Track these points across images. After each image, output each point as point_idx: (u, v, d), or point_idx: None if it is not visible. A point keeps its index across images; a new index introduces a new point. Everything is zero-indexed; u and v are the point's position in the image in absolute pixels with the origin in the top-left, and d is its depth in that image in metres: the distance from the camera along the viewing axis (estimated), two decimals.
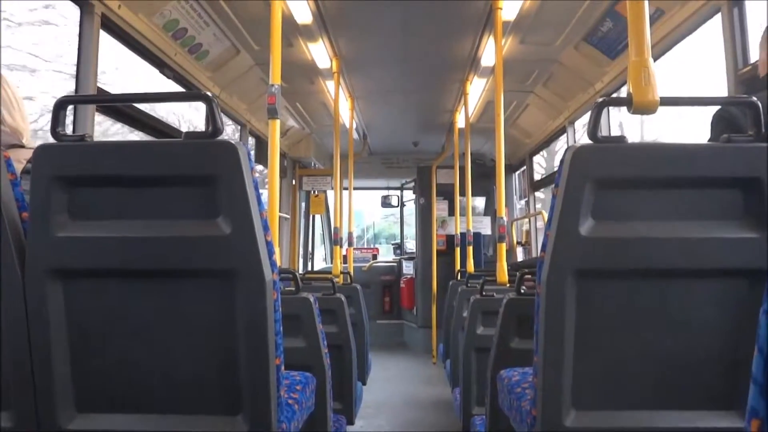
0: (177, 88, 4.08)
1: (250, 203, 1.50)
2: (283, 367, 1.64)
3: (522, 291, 2.52)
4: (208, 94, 1.56)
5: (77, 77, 2.92)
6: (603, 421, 1.54)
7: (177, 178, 1.53)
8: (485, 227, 7.63)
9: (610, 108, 4.88)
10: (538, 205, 7.17)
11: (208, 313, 1.54)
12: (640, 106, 1.58)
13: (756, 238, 1.47)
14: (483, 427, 2.76)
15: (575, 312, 1.52)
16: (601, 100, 1.57)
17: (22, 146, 1.96)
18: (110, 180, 1.54)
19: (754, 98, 1.52)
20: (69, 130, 1.84)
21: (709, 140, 1.97)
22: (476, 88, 5.44)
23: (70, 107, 2.75)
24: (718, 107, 1.94)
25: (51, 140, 1.56)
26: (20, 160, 1.82)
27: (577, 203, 1.50)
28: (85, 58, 2.90)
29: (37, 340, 1.52)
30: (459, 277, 5.61)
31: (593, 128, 1.54)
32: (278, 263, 2.31)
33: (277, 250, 2.41)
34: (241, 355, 1.52)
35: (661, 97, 1.58)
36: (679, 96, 1.65)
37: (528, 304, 2.23)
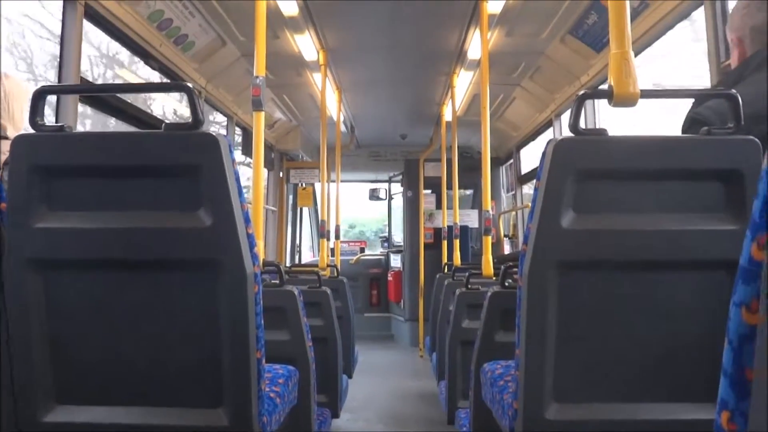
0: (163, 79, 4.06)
1: (231, 195, 1.49)
2: (264, 360, 1.64)
3: (506, 284, 2.53)
4: (189, 84, 1.55)
5: (60, 67, 2.89)
6: (584, 414, 1.55)
7: (158, 169, 1.52)
8: (472, 220, 7.64)
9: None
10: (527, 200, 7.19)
11: (189, 305, 1.53)
12: (620, 99, 1.58)
13: (735, 230, 1.48)
14: (468, 420, 2.77)
15: (557, 305, 1.53)
16: (582, 92, 1.57)
17: (6, 138, 1.95)
18: (90, 170, 1.53)
19: (734, 91, 1.52)
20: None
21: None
22: (463, 81, 5.44)
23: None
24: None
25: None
26: (3, 151, 1.81)
27: (559, 196, 1.51)
28: (68, 48, 2.88)
29: (15, 331, 1.51)
30: (446, 270, 5.62)
31: (574, 121, 1.54)
32: (261, 256, 2.30)
33: (260, 242, 2.40)
34: (222, 347, 1.52)
35: (641, 90, 1.58)
36: (659, 89, 1.66)
37: (512, 297, 2.24)
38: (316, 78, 5.27)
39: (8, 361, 1.52)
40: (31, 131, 1.55)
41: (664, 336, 1.54)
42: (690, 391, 1.54)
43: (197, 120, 1.51)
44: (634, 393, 1.56)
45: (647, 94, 1.60)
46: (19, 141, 1.50)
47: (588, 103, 4.49)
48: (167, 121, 1.55)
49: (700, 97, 1.79)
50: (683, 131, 1.82)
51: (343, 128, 6.66)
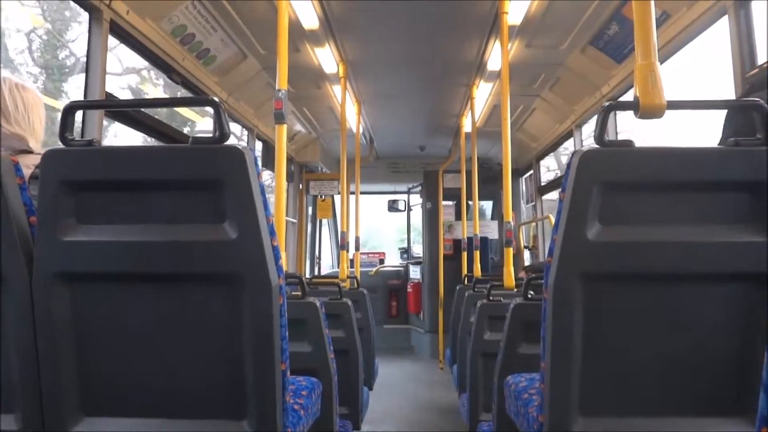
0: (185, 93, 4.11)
1: (257, 208, 1.50)
2: (288, 372, 1.64)
3: (529, 296, 2.52)
4: (215, 99, 1.57)
5: (86, 82, 2.93)
6: (610, 428, 1.53)
7: (184, 182, 1.53)
8: (492, 231, 7.62)
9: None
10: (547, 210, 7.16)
11: (214, 317, 1.54)
12: (646, 110, 1.58)
13: (764, 242, 1.46)
14: None
15: (582, 317, 1.52)
16: (607, 104, 1.56)
17: (31, 152, 1.97)
18: (117, 184, 1.55)
19: (762, 101, 1.51)
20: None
21: (721, 138, 1.96)
22: (483, 92, 5.44)
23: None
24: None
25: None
26: (28, 165, 1.83)
27: (584, 207, 1.50)
28: (94, 64, 2.92)
29: (43, 344, 1.52)
30: (466, 282, 5.60)
31: (600, 132, 1.54)
32: (284, 268, 2.31)
33: (283, 254, 2.41)
34: (246, 359, 1.52)
35: (667, 101, 1.57)
36: (686, 100, 1.65)
37: (535, 309, 2.23)
38: (336, 90, 5.30)
39: (36, 373, 1.53)
40: (45, 142, 1.57)
41: (691, 349, 1.52)
42: (718, 404, 1.52)
43: (223, 134, 1.52)
44: (662, 406, 1.54)
45: (674, 105, 1.59)
46: (50, 156, 1.53)
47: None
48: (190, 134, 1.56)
49: (728, 108, 1.77)
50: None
51: (362, 140, 6.68)
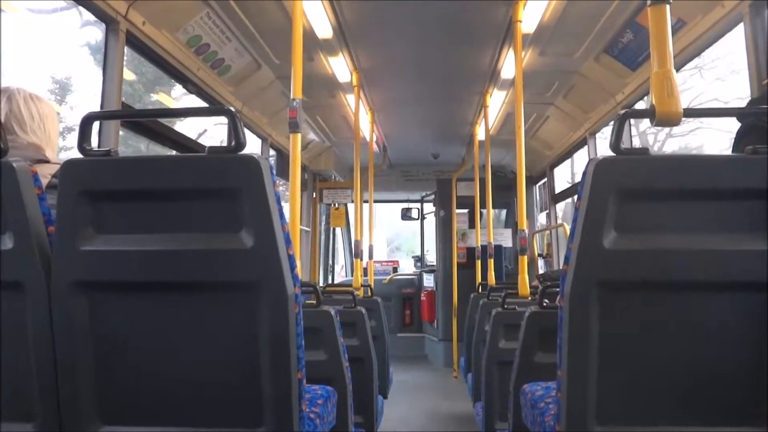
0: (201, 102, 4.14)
1: (273, 217, 1.51)
2: (304, 381, 1.64)
3: (544, 304, 2.51)
4: (231, 108, 1.58)
5: (102, 93, 2.96)
6: None
7: (200, 192, 1.54)
8: (506, 239, 7.59)
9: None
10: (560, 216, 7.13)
11: (231, 326, 1.54)
12: (663, 118, 1.57)
13: None
14: None
15: (599, 325, 1.51)
16: (623, 111, 1.56)
17: (48, 161, 1.98)
18: (135, 194, 1.56)
19: None
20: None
21: (734, 149, 1.95)
22: (496, 101, 5.44)
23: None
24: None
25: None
26: (45, 175, 1.84)
27: (600, 215, 1.49)
28: (110, 74, 2.95)
29: (62, 353, 1.53)
30: (480, 290, 5.58)
31: (616, 140, 1.53)
32: (300, 276, 2.32)
33: (298, 263, 2.41)
34: (263, 368, 1.52)
35: (684, 109, 1.57)
36: (702, 107, 1.64)
37: (551, 317, 2.22)
38: (350, 99, 5.32)
39: (54, 381, 1.55)
40: (60, 152, 1.58)
41: (709, 358, 1.51)
42: (737, 413, 1.50)
43: (239, 143, 1.53)
44: (680, 415, 1.52)
45: (690, 112, 1.58)
46: (69, 166, 1.54)
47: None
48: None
49: (744, 114, 1.76)
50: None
51: (375, 148, 6.69)
